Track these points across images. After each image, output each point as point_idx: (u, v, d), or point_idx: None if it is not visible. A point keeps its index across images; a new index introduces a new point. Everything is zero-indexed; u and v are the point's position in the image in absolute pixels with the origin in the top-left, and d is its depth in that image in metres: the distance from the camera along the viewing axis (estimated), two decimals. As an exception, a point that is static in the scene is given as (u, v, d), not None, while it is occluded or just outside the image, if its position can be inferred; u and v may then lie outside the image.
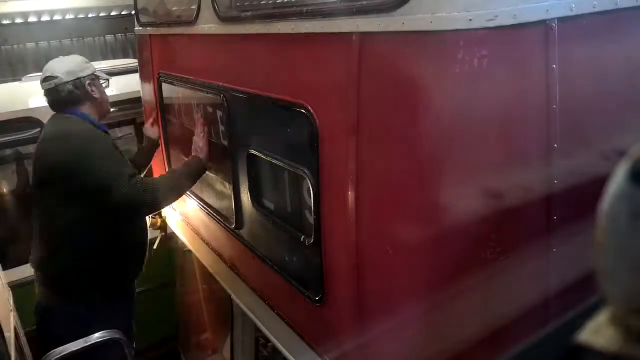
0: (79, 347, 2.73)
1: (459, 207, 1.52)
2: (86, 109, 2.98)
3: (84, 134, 2.84)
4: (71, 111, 2.94)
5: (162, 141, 3.96)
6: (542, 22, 1.45)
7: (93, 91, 2.98)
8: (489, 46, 1.40)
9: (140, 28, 4.06)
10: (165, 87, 3.68)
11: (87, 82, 2.95)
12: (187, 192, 3.67)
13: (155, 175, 4.30)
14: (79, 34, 9.97)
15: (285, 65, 2.20)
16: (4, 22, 8.76)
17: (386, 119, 1.63)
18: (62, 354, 2.72)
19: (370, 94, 1.63)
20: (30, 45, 9.49)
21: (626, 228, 0.51)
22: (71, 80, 2.90)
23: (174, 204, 4.08)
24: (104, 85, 3.13)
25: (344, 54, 1.71)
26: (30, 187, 3.44)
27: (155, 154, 4.27)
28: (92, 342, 2.75)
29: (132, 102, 5.15)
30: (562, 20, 1.47)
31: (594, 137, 1.71)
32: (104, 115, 3.18)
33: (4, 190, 5.00)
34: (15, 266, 4.74)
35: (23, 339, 4.47)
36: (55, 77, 2.90)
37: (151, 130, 3.76)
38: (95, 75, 3.04)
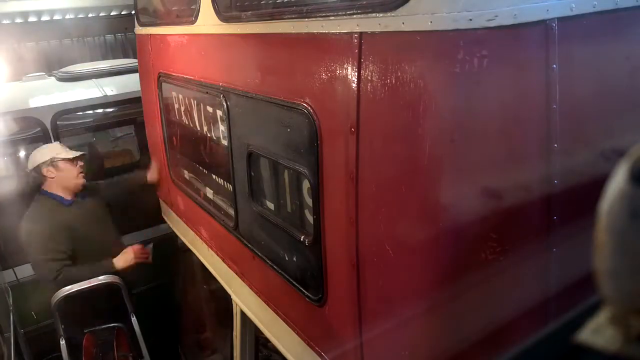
0: (83, 287, 3.64)
1: (459, 207, 1.52)
2: (50, 187, 3.90)
3: (32, 215, 3.84)
4: (41, 191, 3.92)
5: (162, 141, 3.97)
6: (542, 22, 1.45)
7: (51, 172, 3.85)
8: (489, 46, 1.39)
9: (140, 28, 4.06)
10: (165, 87, 3.68)
11: (45, 166, 3.84)
12: (187, 193, 3.68)
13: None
14: (79, 34, 9.97)
15: (285, 65, 2.20)
16: (4, 22, 8.76)
17: (386, 119, 1.63)
18: (69, 292, 3.59)
19: (370, 94, 1.62)
20: (30, 45, 9.49)
21: (626, 228, 0.51)
22: (32, 169, 3.89)
23: (175, 203, 4.09)
24: (69, 163, 3.91)
25: (344, 54, 1.71)
26: None
27: (156, 154, 4.29)
28: (93, 284, 3.67)
29: (132, 102, 5.16)
30: (562, 20, 1.47)
31: (594, 137, 1.71)
32: (70, 189, 3.96)
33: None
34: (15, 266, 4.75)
35: (22, 339, 4.47)
36: (27, 169, 3.95)
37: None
38: (54, 159, 3.86)
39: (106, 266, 3.87)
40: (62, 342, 3.81)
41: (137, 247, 4.03)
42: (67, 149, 4.01)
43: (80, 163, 4.00)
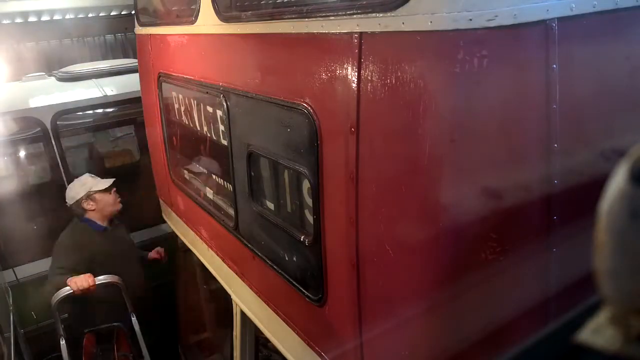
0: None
1: (459, 207, 1.52)
2: (90, 215, 4.22)
3: (64, 236, 4.20)
4: (81, 219, 4.24)
5: (162, 141, 3.97)
6: (542, 22, 1.45)
7: (90, 205, 4.18)
8: (489, 46, 1.39)
9: (140, 28, 4.06)
10: (165, 87, 3.68)
11: (83, 200, 4.16)
12: (187, 193, 3.68)
13: (156, 176, 4.34)
14: (79, 34, 9.96)
15: (285, 65, 2.20)
16: (4, 22, 8.76)
17: (386, 119, 1.63)
18: (68, 293, 3.74)
19: (370, 94, 1.62)
20: (30, 45, 9.49)
21: (626, 228, 0.51)
22: (73, 203, 4.19)
23: (175, 203, 4.09)
24: (105, 193, 4.21)
25: (344, 54, 1.71)
26: None
27: (156, 154, 4.29)
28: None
29: (132, 102, 5.16)
30: (562, 20, 1.47)
31: (594, 137, 1.71)
32: (107, 216, 4.28)
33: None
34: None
35: (22, 339, 4.47)
36: (67, 203, 4.25)
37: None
38: (89, 193, 4.15)
39: (58, 282, 3.89)
40: (62, 342, 3.82)
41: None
42: (98, 179, 4.27)
43: (114, 189, 4.26)
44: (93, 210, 4.17)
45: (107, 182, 4.23)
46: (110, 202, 4.23)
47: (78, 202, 4.15)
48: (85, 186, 4.18)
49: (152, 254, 4.65)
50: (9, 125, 4.88)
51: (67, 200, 4.22)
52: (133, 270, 4.35)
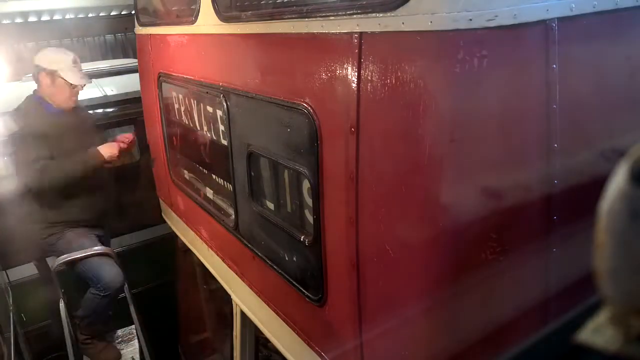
0: (80, 255, 3.75)
1: (459, 207, 1.52)
2: (42, 92, 3.80)
3: (18, 114, 3.80)
4: (33, 92, 3.84)
5: (162, 141, 3.97)
6: (542, 22, 1.45)
7: (45, 81, 3.74)
8: (489, 46, 1.39)
9: (140, 28, 4.06)
10: (165, 87, 3.68)
11: (42, 72, 3.73)
12: (187, 193, 3.68)
13: (156, 176, 4.33)
14: (79, 34, 9.96)
15: (285, 65, 2.20)
16: (4, 22, 8.76)
17: (386, 119, 1.63)
18: (67, 259, 3.72)
19: (370, 94, 1.62)
20: (30, 45, 9.49)
21: (626, 228, 0.51)
22: (34, 65, 3.76)
23: (175, 203, 4.09)
24: (66, 84, 3.77)
25: (344, 54, 1.71)
26: None
27: (156, 154, 4.28)
28: (90, 253, 3.78)
29: (132, 102, 5.15)
30: (562, 20, 1.47)
31: (594, 137, 1.71)
32: (60, 106, 3.82)
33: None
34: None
35: (22, 339, 4.48)
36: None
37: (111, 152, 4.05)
38: (53, 71, 3.71)
39: (91, 154, 3.77)
40: (62, 305, 3.89)
41: (120, 136, 3.99)
42: (77, 70, 3.82)
43: (79, 90, 3.86)
44: (47, 87, 3.75)
45: (80, 80, 3.80)
46: (66, 97, 3.80)
47: (38, 69, 3.74)
48: (59, 64, 3.74)
49: (113, 147, 3.92)
50: (9, 125, 4.88)
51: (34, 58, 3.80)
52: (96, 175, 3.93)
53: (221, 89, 2.68)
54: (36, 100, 3.81)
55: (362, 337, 1.87)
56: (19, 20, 9.10)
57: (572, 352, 0.57)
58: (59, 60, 3.76)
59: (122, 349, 4.21)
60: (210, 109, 2.95)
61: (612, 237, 0.53)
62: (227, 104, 2.64)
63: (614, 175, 0.53)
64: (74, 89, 3.81)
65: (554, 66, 1.49)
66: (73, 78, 3.75)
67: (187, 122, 3.39)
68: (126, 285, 4.06)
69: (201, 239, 3.60)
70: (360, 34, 1.63)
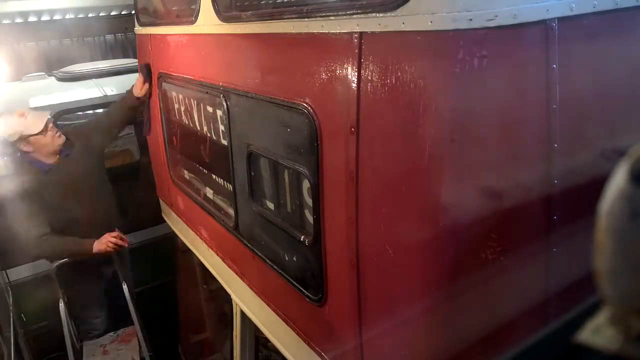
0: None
1: (459, 207, 1.52)
2: (32, 155, 3.84)
3: (16, 184, 3.78)
4: (23, 157, 3.87)
5: (162, 141, 3.97)
6: (542, 22, 1.45)
7: (27, 147, 3.79)
8: (489, 46, 1.39)
9: (140, 28, 4.06)
10: (165, 87, 3.68)
11: (17, 143, 3.76)
12: (187, 193, 3.68)
13: (156, 176, 4.33)
14: (79, 34, 9.95)
15: (285, 65, 2.20)
16: (4, 22, 8.76)
17: (386, 119, 1.63)
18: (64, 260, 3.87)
19: (370, 94, 1.62)
20: (30, 45, 9.49)
21: (626, 228, 0.51)
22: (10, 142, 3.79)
23: (175, 203, 4.09)
24: (39, 135, 3.77)
25: (344, 54, 1.71)
26: None
27: (156, 154, 4.28)
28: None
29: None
30: (562, 20, 1.47)
31: (594, 137, 1.71)
32: (50, 153, 3.87)
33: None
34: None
35: (22, 339, 4.47)
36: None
37: (139, 88, 4.03)
38: (23, 136, 3.72)
39: (84, 245, 3.87)
40: (62, 305, 3.93)
41: (113, 234, 3.97)
42: (30, 117, 3.78)
43: (50, 125, 3.81)
44: (31, 151, 3.80)
45: (40, 124, 3.74)
46: (48, 142, 3.80)
47: (14, 144, 3.79)
48: (18, 129, 3.72)
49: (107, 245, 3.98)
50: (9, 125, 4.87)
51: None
52: (100, 204, 4.06)
53: (221, 88, 2.68)
54: (28, 163, 3.85)
55: (362, 337, 1.87)
56: (19, 20, 9.10)
57: (572, 352, 0.57)
58: (14, 128, 3.74)
59: (122, 349, 4.21)
60: (210, 108, 2.95)
61: (612, 237, 0.53)
62: (227, 104, 2.64)
63: (614, 175, 0.53)
64: (47, 132, 3.78)
65: (554, 66, 1.49)
66: (36, 127, 3.73)
67: (187, 122, 3.39)
68: (126, 286, 4.06)
69: (201, 238, 3.60)
70: (360, 34, 1.63)
